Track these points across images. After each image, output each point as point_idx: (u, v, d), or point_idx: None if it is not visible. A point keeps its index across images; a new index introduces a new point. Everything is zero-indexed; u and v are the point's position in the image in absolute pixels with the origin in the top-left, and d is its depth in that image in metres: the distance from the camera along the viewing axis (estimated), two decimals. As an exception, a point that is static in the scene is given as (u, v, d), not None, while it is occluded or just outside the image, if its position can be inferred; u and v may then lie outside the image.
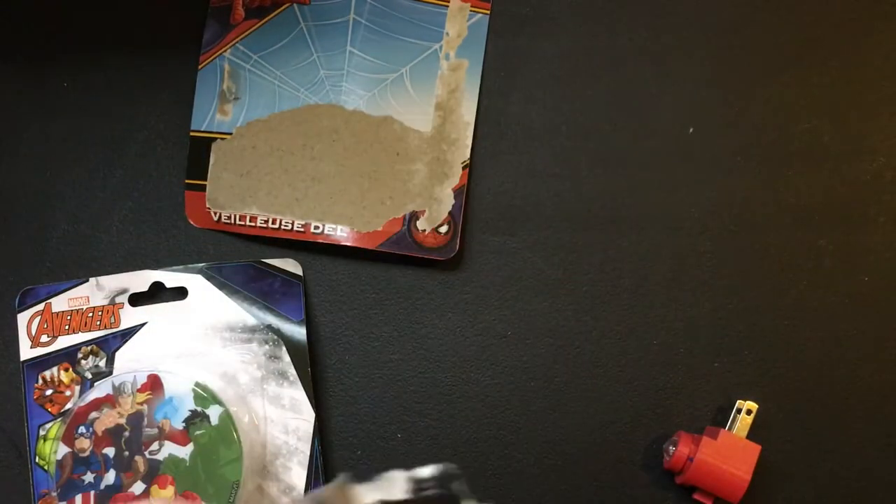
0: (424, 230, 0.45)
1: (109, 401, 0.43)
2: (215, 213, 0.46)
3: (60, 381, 0.45)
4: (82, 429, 0.43)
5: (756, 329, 0.45)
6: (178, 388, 0.43)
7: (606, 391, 0.45)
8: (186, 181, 0.47)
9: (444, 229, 0.46)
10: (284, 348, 0.45)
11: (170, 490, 0.42)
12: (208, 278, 0.45)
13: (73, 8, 0.48)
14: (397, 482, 0.42)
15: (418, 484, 0.43)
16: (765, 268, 0.46)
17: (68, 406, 0.44)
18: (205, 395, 0.43)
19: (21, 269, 0.47)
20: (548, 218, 0.46)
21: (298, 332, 0.45)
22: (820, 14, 0.47)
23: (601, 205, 0.46)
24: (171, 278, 0.45)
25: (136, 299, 0.45)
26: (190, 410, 0.43)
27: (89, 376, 0.45)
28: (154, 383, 0.43)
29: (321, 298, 0.46)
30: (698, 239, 0.46)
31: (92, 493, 0.42)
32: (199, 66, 0.47)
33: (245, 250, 0.47)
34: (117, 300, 0.45)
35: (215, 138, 0.46)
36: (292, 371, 0.45)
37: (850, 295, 0.45)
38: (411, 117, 0.46)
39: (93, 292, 0.45)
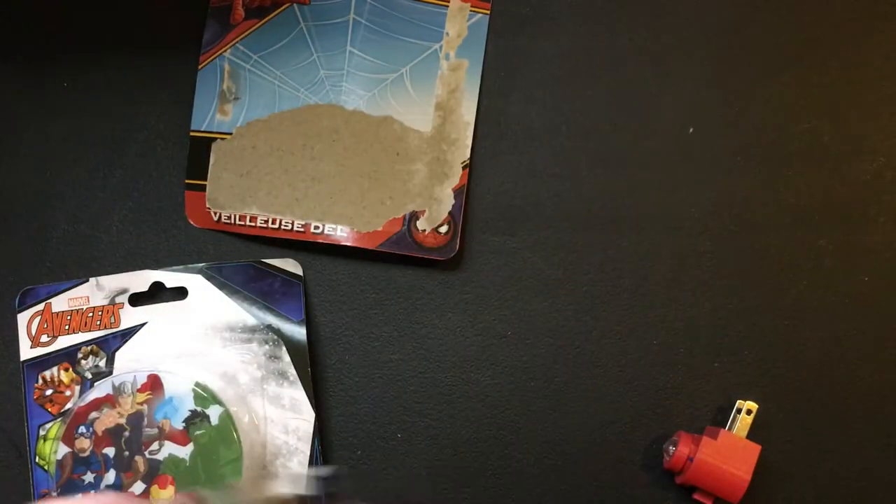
0: (424, 230, 0.45)
1: (109, 401, 0.43)
2: (215, 213, 0.46)
3: (60, 381, 0.45)
4: (82, 429, 0.43)
5: (756, 329, 0.45)
6: (178, 388, 0.43)
7: (606, 391, 0.45)
8: (186, 181, 0.47)
9: (444, 229, 0.46)
10: (284, 348, 0.45)
11: (170, 490, 0.42)
12: (208, 278, 0.45)
13: (73, 8, 0.48)
14: (301, 480, 0.42)
15: (318, 482, 0.42)
16: (765, 268, 0.46)
17: (68, 406, 0.44)
18: (205, 395, 0.43)
19: (21, 269, 0.47)
20: (548, 218, 0.46)
21: (298, 332, 0.45)
22: (820, 14, 0.47)
23: (601, 205, 0.46)
24: (171, 278, 0.45)
25: (136, 299, 0.45)
26: (190, 410, 0.43)
27: (89, 376, 0.45)
28: (154, 383, 0.43)
29: (321, 298, 0.46)
30: (698, 239, 0.46)
31: (92, 493, 0.42)
32: (199, 66, 0.47)
33: (245, 250, 0.47)
34: (117, 300, 0.45)
35: (215, 138, 0.46)
36: (292, 371, 0.45)
37: (850, 295, 0.45)
38: (411, 117, 0.46)
39: (93, 292, 0.45)
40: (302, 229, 0.46)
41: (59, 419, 0.44)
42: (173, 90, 0.47)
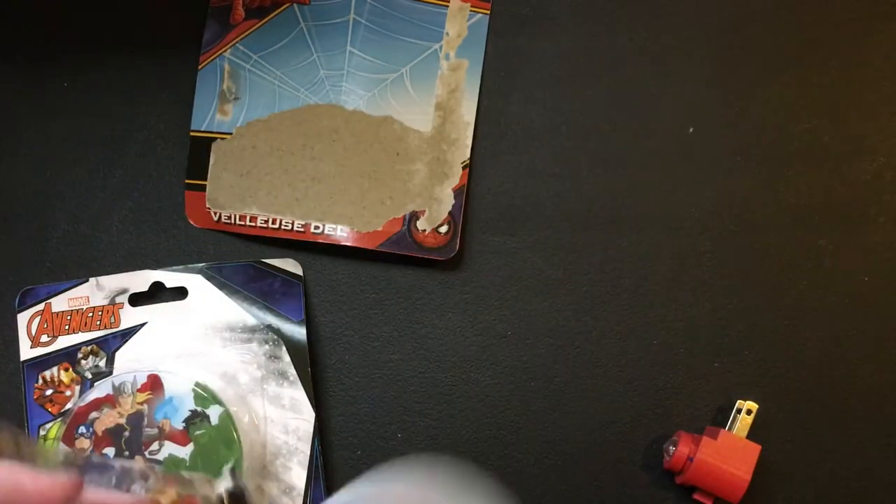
0: (424, 230, 0.45)
1: (109, 401, 0.43)
2: (215, 213, 0.46)
3: (60, 381, 0.45)
4: (82, 429, 0.43)
5: (756, 329, 0.45)
6: (178, 388, 0.43)
7: (606, 391, 0.45)
8: (186, 181, 0.47)
9: (444, 229, 0.46)
10: (284, 348, 0.45)
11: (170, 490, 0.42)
12: (208, 278, 0.45)
13: (73, 8, 0.48)
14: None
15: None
16: (765, 268, 0.46)
17: (68, 406, 0.44)
18: (205, 395, 0.43)
19: (21, 269, 0.47)
20: (548, 218, 0.46)
21: (298, 332, 0.45)
22: (820, 14, 0.47)
23: (601, 205, 0.46)
24: (171, 278, 0.45)
25: (136, 299, 0.45)
26: (190, 410, 0.43)
27: (89, 376, 0.45)
28: (154, 383, 0.43)
29: (321, 298, 0.46)
30: (698, 239, 0.46)
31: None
32: (199, 66, 0.47)
33: (245, 250, 0.47)
34: (117, 300, 0.45)
35: (215, 138, 0.46)
36: (292, 371, 0.45)
37: (850, 295, 0.45)
38: (411, 117, 0.46)
39: (93, 292, 0.45)
40: (302, 229, 0.46)
41: (59, 419, 0.44)
42: (173, 90, 0.47)
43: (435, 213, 0.46)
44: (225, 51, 0.47)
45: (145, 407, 0.43)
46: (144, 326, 0.45)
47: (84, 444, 0.43)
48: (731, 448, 0.42)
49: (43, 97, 0.48)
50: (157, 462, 0.43)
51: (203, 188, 0.46)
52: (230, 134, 0.46)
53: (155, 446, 0.43)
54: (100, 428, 0.43)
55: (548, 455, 0.45)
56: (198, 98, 0.47)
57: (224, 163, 0.46)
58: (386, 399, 0.46)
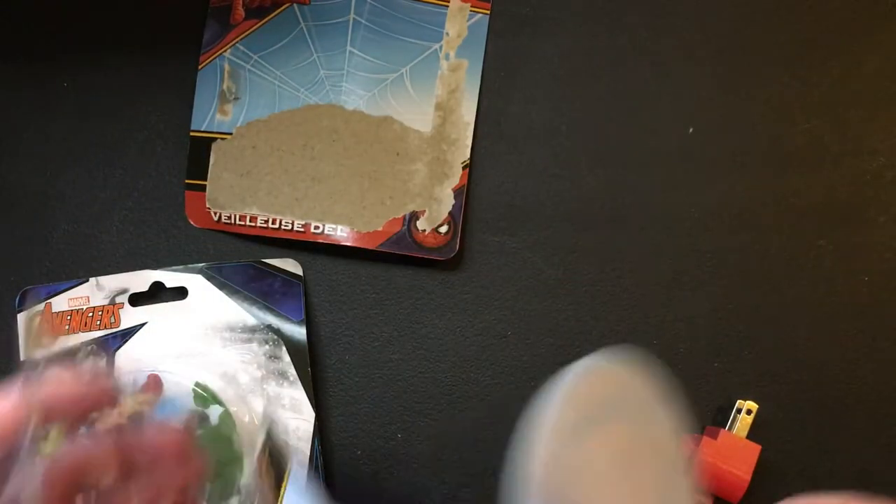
0: (424, 230, 0.45)
1: (109, 401, 0.43)
2: (215, 213, 0.46)
3: (60, 381, 0.45)
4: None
5: (756, 329, 0.45)
6: (179, 388, 0.43)
7: (606, 391, 0.45)
8: (186, 181, 0.47)
9: (444, 229, 0.46)
10: (284, 348, 0.45)
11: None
12: (208, 278, 0.45)
13: (73, 8, 0.48)
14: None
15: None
16: (765, 268, 0.46)
17: (68, 406, 0.44)
18: (205, 395, 0.43)
19: (21, 269, 0.47)
20: (548, 218, 0.46)
21: (298, 332, 0.45)
22: (820, 14, 0.47)
23: (601, 205, 0.46)
24: (171, 278, 0.45)
25: (136, 299, 0.45)
26: (190, 410, 0.43)
27: (89, 376, 0.45)
28: (154, 383, 0.43)
29: (321, 298, 0.46)
30: (698, 239, 0.46)
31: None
32: (199, 66, 0.47)
33: (245, 250, 0.47)
34: (117, 300, 0.45)
35: (215, 138, 0.46)
36: (292, 371, 0.45)
37: (850, 295, 0.45)
38: (411, 117, 0.46)
39: (93, 292, 0.45)
40: (302, 229, 0.46)
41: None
42: (173, 90, 0.47)
43: (435, 213, 0.46)
44: (225, 51, 0.47)
45: (146, 407, 0.43)
46: (144, 326, 0.45)
47: (84, 444, 0.43)
48: (730, 448, 0.42)
49: (43, 97, 0.48)
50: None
51: (203, 188, 0.46)
52: (230, 134, 0.46)
53: (155, 446, 0.43)
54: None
55: (548, 455, 0.45)
56: (198, 98, 0.47)
57: (224, 163, 0.46)
58: (386, 399, 0.46)
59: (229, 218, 0.46)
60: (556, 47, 0.47)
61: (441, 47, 0.46)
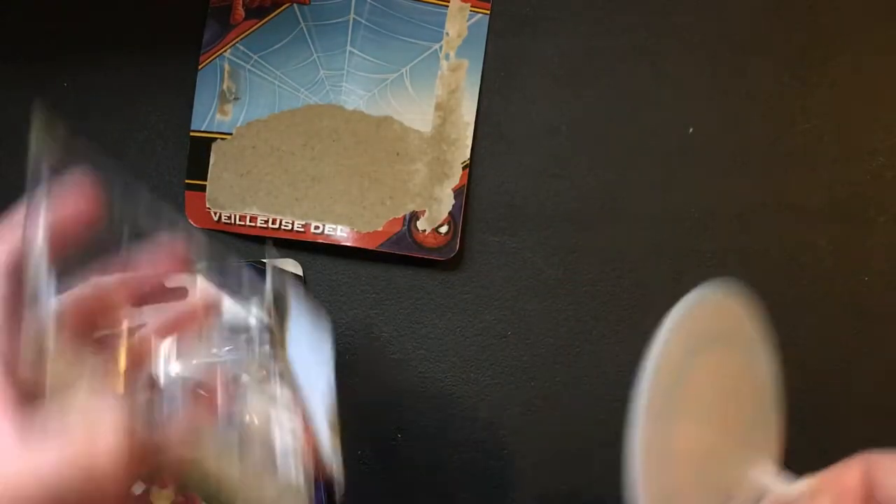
0: (424, 230, 0.45)
1: (109, 401, 0.43)
2: (215, 213, 0.46)
3: (60, 381, 0.44)
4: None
5: (756, 329, 0.45)
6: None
7: (606, 391, 0.45)
8: (186, 181, 0.47)
9: (444, 229, 0.46)
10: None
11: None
12: (208, 278, 0.45)
13: (73, 8, 0.48)
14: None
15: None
16: (765, 268, 0.46)
17: (68, 406, 0.44)
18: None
19: (21, 269, 0.47)
20: (548, 218, 0.46)
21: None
22: (820, 14, 0.47)
23: (601, 205, 0.46)
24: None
25: (136, 299, 0.45)
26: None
27: (89, 376, 0.45)
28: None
29: (321, 298, 0.46)
30: (698, 239, 0.46)
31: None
32: (199, 66, 0.47)
33: (245, 250, 0.47)
34: (117, 300, 0.45)
35: (215, 138, 0.46)
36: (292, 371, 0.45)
37: (850, 295, 0.45)
38: (411, 117, 0.46)
39: (93, 292, 0.45)
40: (302, 229, 0.46)
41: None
42: (173, 90, 0.47)
43: (435, 213, 0.46)
44: (225, 51, 0.47)
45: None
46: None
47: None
48: (731, 448, 0.42)
49: (43, 97, 0.48)
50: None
51: (203, 188, 0.46)
52: (230, 134, 0.46)
53: (155, 446, 0.43)
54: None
55: (548, 455, 0.45)
56: (198, 98, 0.47)
57: (224, 163, 0.46)
58: (386, 399, 0.46)
59: (229, 218, 0.46)
60: (556, 47, 0.47)
61: (441, 47, 0.47)
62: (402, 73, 0.46)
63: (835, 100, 0.46)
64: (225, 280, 0.35)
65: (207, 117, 0.47)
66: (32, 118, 0.29)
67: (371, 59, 0.46)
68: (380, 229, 0.46)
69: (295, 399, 0.36)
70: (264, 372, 0.35)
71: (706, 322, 0.31)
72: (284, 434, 0.35)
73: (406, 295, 0.46)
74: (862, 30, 0.47)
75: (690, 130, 0.47)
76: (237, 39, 0.47)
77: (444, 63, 0.46)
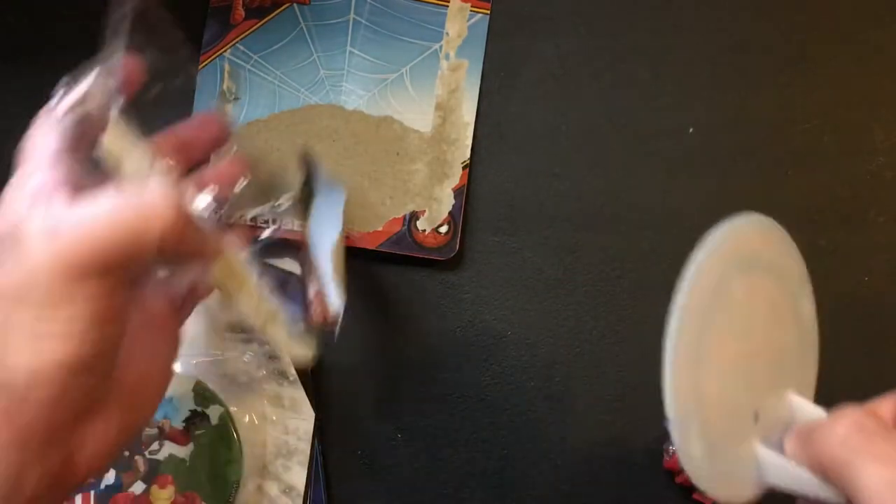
0: (424, 230, 0.45)
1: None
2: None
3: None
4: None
5: (756, 329, 0.45)
6: (178, 388, 0.43)
7: (606, 391, 0.45)
8: (186, 181, 0.46)
9: (444, 229, 0.46)
10: (284, 348, 0.45)
11: (170, 490, 0.42)
12: (208, 278, 0.45)
13: (73, 8, 0.48)
14: None
15: None
16: (765, 268, 0.46)
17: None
18: (205, 395, 0.43)
19: (21, 269, 0.47)
20: (548, 218, 0.46)
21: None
22: (820, 14, 0.47)
23: (601, 205, 0.46)
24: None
25: (136, 299, 0.45)
26: (190, 410, 0.43)
27: (89, 376, 0.45)
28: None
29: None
30: (698, 239, 0.46)
31: (92, 493, 0.42)
32: (199, 66, 0.47)
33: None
34: (117, 300, 0.45)
35: (215, 138, 0.46)
36: (292, 371, 0.45)
37: (850, 295, 0.45)
38: (411, 117, 0.46)
39: (93, 292, 0.45)
40: (301, 229, 0.46)
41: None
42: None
43: (435, 213, 0.46)
44: (225, 51, 0.47)
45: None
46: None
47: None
48: (731, 448, 0.42)
49: (43, 97, 0.48)
50: (157, 462, 0.43)
51: (203, 188, 0.46)
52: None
53: (155, 446, 0.43)
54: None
55: (548, 455, 0.45)
56: (197, 98, 0.47)
57: (224, 163, 0.46)
58: (386, 399, 0.46)
59: (229, 217, 0.46)
60: (556, 47, 0.47)
61: (441, 47, 0.47)
62: (403, 73, 0.46)
63: (835, 100, 0.46)
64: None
65: (207, 117, 0.46)
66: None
67: (371, 59, 0.46)
68: (380, 229, 0.46)
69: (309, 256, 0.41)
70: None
71: (755, 245, 0.31)
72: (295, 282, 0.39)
73: (406, 295, 0.46)
74: (862, 30, 0.47)
75: (690, 130, 0.47)
76: (237, 39, 0.47)
77: (444, 63, 0.46)
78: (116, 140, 0.31)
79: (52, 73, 0.48)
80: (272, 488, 0.44)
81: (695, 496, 0.43)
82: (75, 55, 0.48)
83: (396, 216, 0.46)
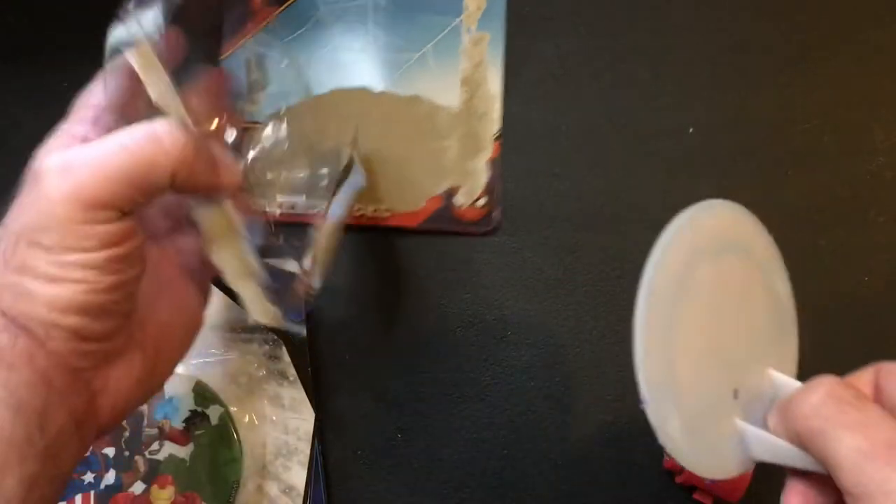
0: (462, 205, 0.45)
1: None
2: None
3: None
4: None
5: (756, 329, 0.45)
6: (179, 388, 0.43)
7: (606, 391, 0.45)
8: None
9: (481, 202, 0.45)
10: (284, 348, 0.45)
11: (170, 490, 0.42)
12: (208, 278, 0.45)
13: (73, 8, 0.48)
14: None
15: None
16: (765, 268, 0.46)
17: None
18: (205, 395, 0.43)
19: (21, 268, 0.47)
20: (548, 218, 0.46)
21: (298, 331, 0.45)
22: (820, 14, 0.47)
23: (601, 205, 0.46)
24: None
25: (136, 299, 0.45)
26: (190, 410, 0.43)
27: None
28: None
29: (321, 299, 0.46)
30: (698, 239, 0.46)
31: (92, 492, 0.42)
32: (221, 57, 0.46)
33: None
34: (117, 300, 0.45)
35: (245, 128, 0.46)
36: (292, 371, 0.45)
37: (850, 295, 0.45)
38: (438, 94, 0.46)
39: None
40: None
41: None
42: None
43: (471, 188, 0.45)
44: (247, 40, 0.46)
45: (145, 407, 0.43)
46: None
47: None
48: (731, 448, 0.42)
49: (43, 97, 0.48)
50: (157, 462, 0.43)
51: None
52: (258, 123, 0.46)
53: (155, 446, 0.43)
54: None
55: (548, 455, 0.45)
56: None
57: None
58: (386, 399, 0.46)
59: (262, 206, 0.46)
60: (556, 47, 0.47)
61: (462, 22, 0.46)
62: (426, 51, 0.46)
63: (835, 100, 0.46)
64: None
65: (235, 107, 0.46)
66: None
67: (393, 39, 0.46)
68: (419, 209, 0.45)
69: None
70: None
71: (720, 228, 0.31)
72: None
73: (405, 295, 0.46)
74: (862, 30, 0.47)
75: (690, 130, 0.47)
76: (258, 29, 0.46)
77: (465, 37, 0.46)
78: (162, 96, 0.31)
79: (52, 73, 0.48)
80: (272, 488, 0.44)
81: (695, 496, 0.43)
82: (75, 55, 0.48)
83: (434, 194, 0.45)
